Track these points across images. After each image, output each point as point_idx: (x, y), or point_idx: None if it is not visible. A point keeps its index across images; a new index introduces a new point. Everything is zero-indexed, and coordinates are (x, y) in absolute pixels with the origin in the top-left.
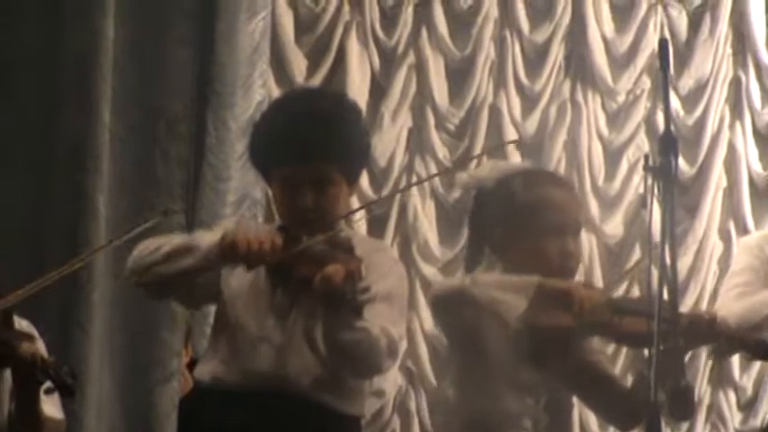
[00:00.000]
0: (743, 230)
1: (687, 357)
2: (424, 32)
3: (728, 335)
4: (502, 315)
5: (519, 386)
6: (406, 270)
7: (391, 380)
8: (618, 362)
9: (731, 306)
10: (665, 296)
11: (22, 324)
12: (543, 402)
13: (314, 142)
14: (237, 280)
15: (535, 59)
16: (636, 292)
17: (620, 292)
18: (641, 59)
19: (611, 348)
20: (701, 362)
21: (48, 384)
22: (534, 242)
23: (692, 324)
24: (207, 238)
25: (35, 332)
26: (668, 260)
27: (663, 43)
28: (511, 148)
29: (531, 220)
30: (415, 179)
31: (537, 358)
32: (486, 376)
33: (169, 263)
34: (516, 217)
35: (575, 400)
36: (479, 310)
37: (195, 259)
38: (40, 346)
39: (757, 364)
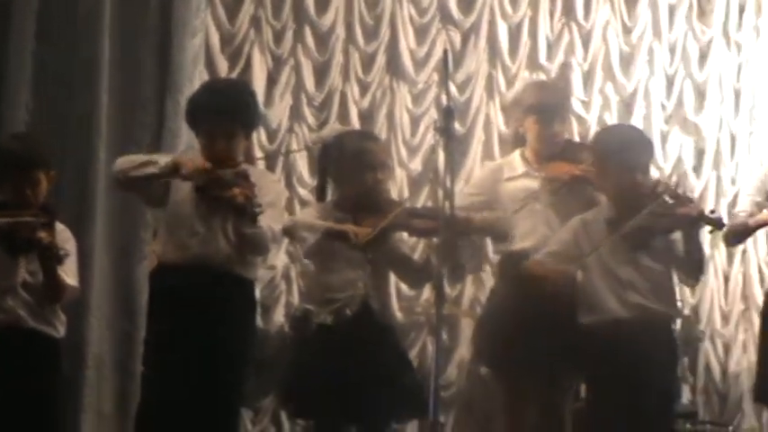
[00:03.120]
0: None
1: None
2: (300, 46)
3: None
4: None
5: (351, 263)
6: (289, 192)
7: (279, 258)
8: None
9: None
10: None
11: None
12: (368, 271)
13: (225, 108)
14: (180, 193)
15: (368, 62)
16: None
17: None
18: (432, 62)
19: (413, 240)
20: None
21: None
22: (357, 176)
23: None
24: (164, 158)
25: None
26: (448, 184)
27: (445, 53)
28: (353, 118)
29: (355, 162)
30: (294, 137)
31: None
32: (330, 258)
33: (138, 169)
34: (345, 160)
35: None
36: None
37: (155, 169)
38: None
39: None
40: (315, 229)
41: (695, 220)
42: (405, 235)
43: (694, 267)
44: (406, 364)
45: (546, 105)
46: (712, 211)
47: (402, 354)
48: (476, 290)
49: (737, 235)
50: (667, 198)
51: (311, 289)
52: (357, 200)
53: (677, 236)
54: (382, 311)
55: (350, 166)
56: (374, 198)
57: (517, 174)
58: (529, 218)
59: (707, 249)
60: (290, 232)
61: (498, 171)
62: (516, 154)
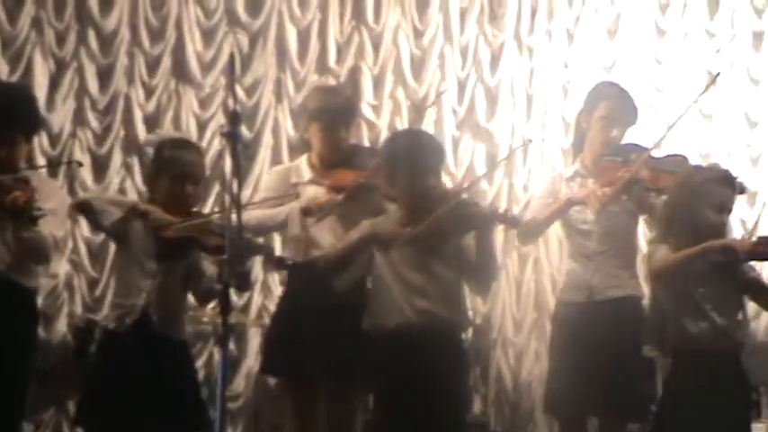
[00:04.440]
0: None
1: None
2: (83, 49)
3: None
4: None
5: (144, 271)
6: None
7: (60, 267)
8: None
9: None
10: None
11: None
12: (157, 282)
13: (3, 113)
14: None
15: (153, 65)
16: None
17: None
18: (219, 65)
19: None
20: None
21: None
22: (168, 183)
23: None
24: None
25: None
26: (235, 190)
27: (231, 56)
28: (138, 123)
29: (168, 168)
30: (77, 141)
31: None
32: (128, 264)
33: None
34: (161, 164)
35: None
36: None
37: None
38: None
39: None
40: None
41: (489, 219)
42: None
43: (485, 275)
44: (187, 378)
45: (330, 111)
46: (506, 211)
47: (182, 366)
48: (264, 298)
49: (531, 231)
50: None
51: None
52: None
53: (470, 242)
54: (162, 323)
55: (163, 170)
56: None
57: (304, 180)
58: (314, 226)
59: (499, 257)
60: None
61: (286, 175)
62: (303, 159)
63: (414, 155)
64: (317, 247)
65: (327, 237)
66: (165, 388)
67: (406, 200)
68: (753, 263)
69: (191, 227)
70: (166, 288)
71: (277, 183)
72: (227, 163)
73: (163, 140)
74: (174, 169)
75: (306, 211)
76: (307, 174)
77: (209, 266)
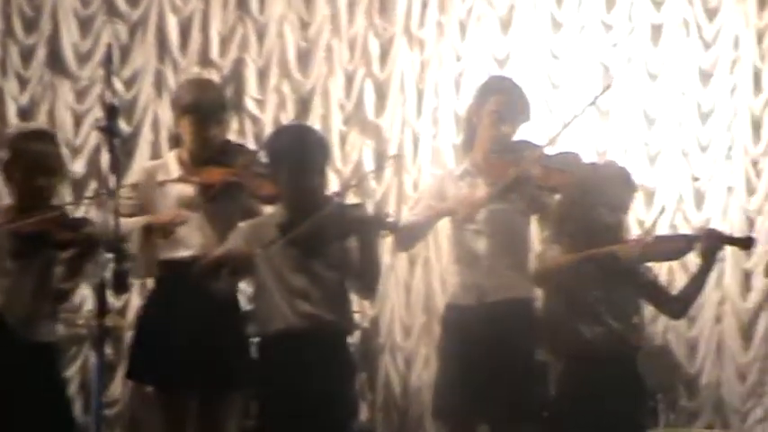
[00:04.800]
0: None
1: None
2: None
3: None
4: None
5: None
6: None
7: None
8: None
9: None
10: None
11: None
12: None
13: None
14: None
15: (27, 56)
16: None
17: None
18: (96, 56)
19: None
20: None
21: None
22: (20, 176)
23: None
24: None
25: None
26: (113, 186)
27: (109, 47)
28: (11, 116)
29: (19, 161)
30: None
31: None
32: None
33: None
34: (13, 157)
35: None
36: None
37: None
38: None
39: None
40: None
41: (371, 224)
42: None
43: (369, 278)
44: (51, 381)
45: (201, 106)
46: (387, 215)
47: (43, 370)
48: (142, 300)
49: (408, 236)
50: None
51: None
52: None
53: (354, 244)
54: (19, 324)
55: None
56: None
57: (173, 177)
58: (183, 225)
59: (387, 259)
60: None
61: (153, 173)
62: (171, 156)
63: (298, 152)
64: (186, 247)
65: (196, 236)
66: (25, 393)
67: (290, 199)
68: (650, 264)
69: (41, 221)
70: (21, 287)
71: (141, 181)
72: (105, 159)
73: (15, 133)
74: (24, 161)
75: (149, 229)
76: (175, 171)
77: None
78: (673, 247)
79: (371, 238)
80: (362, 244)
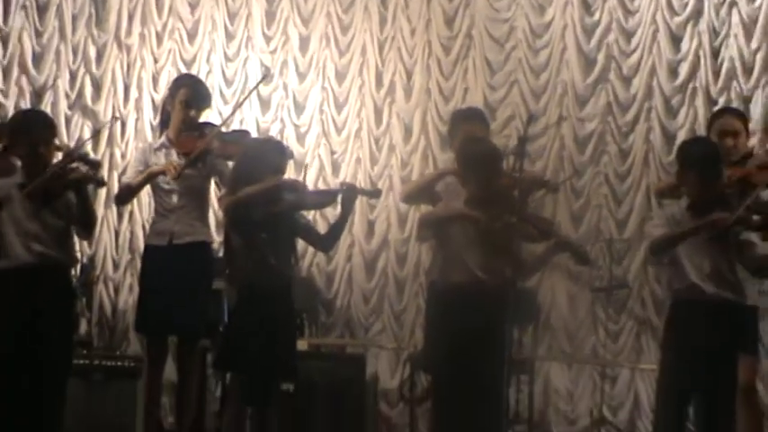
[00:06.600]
0: None
1: None
2: None
3: None
4: None
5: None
6: None
7: None
8: None
9: None
10: None
11: None
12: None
13: None
14: None
15: None
16: None
17: None
18: None
19: None
20: None
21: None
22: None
23: None
24: None
25: None
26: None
27: None
28: None
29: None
30: None
31: None
32: None
33: None
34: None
35: None
36: None
37: None
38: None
39: None
40: None
41: (82, 182)
42: None
43: (87, 224)
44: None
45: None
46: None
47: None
48: None
49: (126, 194)
50: (76, 164)
51: None
52: None
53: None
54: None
55: None
56: None
57: None
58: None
59: (101, 211)
60: None
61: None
62: None
63: (31, 128)
64: None
65: None
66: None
67: (26, 162)
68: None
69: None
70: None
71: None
72: None
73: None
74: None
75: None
76: None
77: None
78: (322, 198)
79: (84, 194)
80: (78, 198)
